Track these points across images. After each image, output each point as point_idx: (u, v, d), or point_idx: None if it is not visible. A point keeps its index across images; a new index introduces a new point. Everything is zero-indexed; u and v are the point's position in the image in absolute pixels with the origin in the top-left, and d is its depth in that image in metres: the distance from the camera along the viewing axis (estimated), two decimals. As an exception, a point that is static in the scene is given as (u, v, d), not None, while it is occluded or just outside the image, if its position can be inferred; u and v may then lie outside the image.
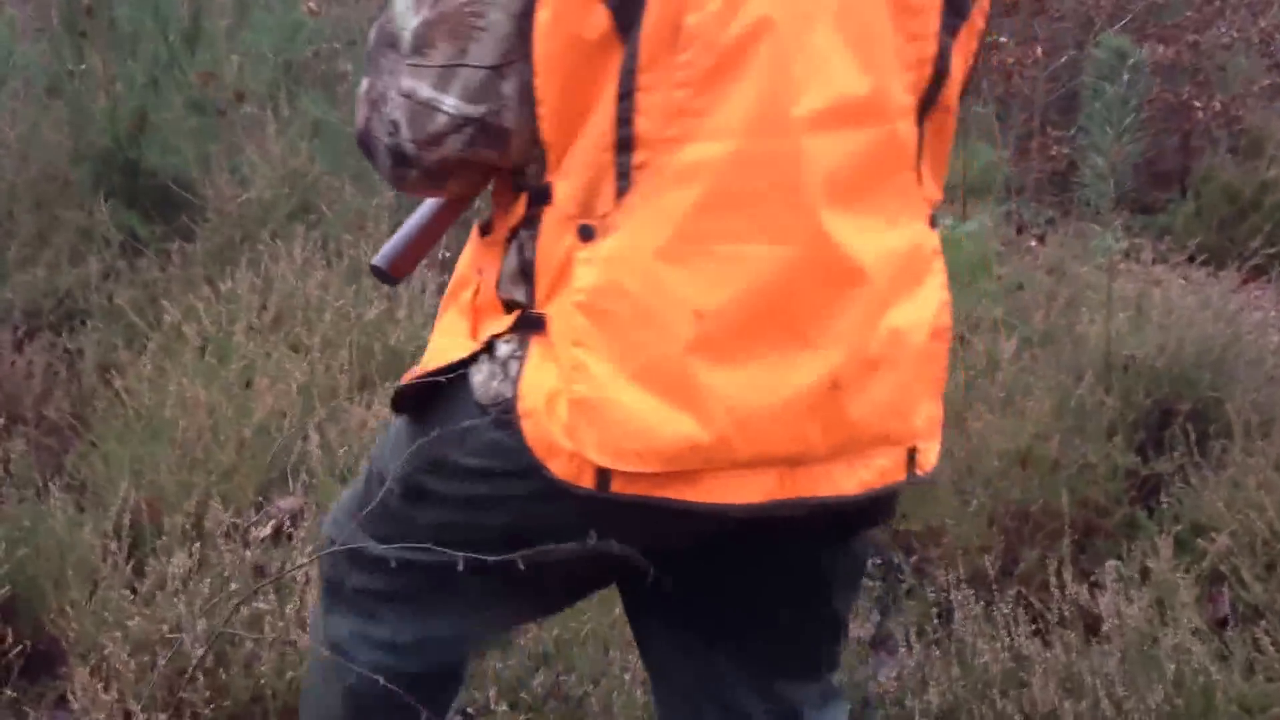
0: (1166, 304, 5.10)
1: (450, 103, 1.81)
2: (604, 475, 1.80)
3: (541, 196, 1.84)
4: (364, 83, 1.90)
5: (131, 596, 3.13)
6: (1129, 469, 4.30)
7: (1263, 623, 3.33)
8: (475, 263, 1.98)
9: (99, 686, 2.92)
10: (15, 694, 3.15)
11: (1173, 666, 2.90)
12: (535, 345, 1.83)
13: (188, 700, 2.92)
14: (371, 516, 2.04)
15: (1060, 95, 8.65)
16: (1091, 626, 3.31)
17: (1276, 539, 3.58)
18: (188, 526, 3.44)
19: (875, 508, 2.01)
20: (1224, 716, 3.02)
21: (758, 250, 1.79)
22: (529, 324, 1.85)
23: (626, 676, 2.98)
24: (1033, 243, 6.79)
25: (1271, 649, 3.24)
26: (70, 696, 2.97)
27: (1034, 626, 3.20)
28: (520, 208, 1.87)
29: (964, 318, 5.23)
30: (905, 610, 3.48)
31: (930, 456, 2.00)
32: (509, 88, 1.80)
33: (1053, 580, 3.12)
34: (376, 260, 2.08)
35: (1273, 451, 3.92)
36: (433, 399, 1.95)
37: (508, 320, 1.88)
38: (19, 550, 3.30)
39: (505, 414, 1.84)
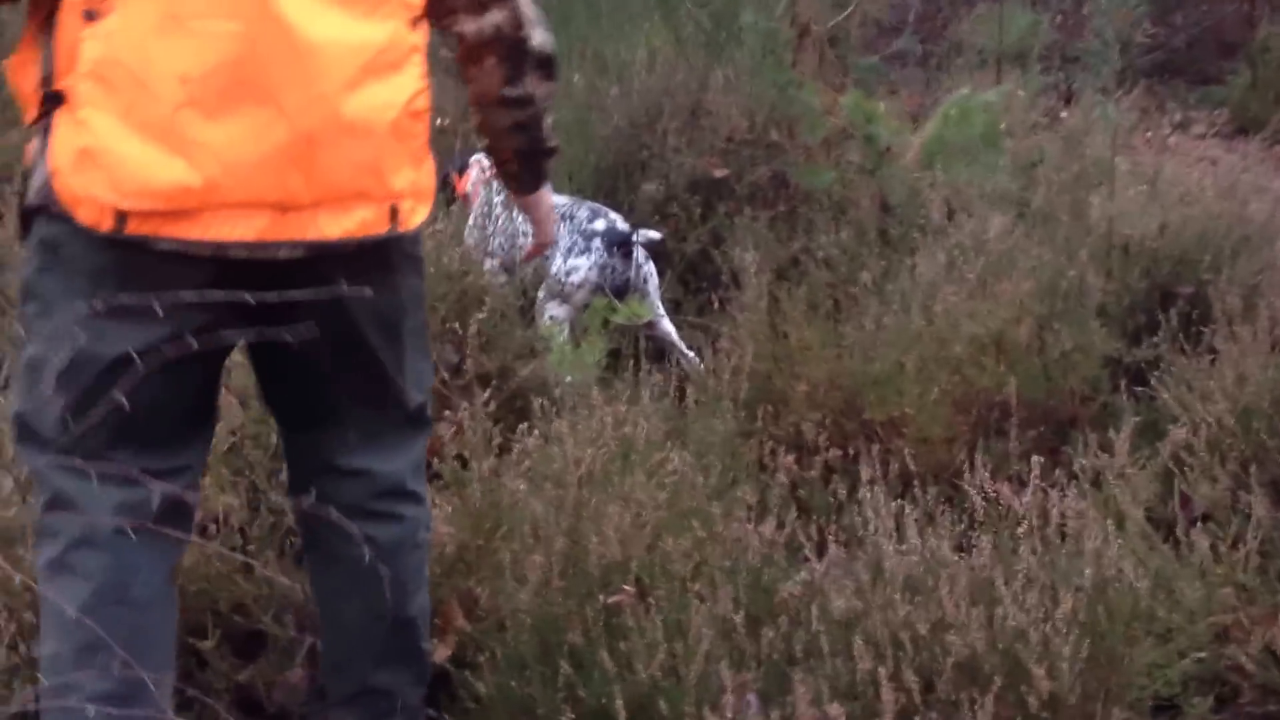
0: (1178, 180, 4.83)
1: None
2: (120, 217, 2.13)
3: None
4: None
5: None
6: (1113, 356, 4.08)
7: (1209, 524, 3.12)
8: (23, 79, 2.24)
9: None
10: None
11: (1089, 572, 2.70)
12: (58, 117, 2.15)
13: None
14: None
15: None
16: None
17: (1227, 433, 3.34)
18: None
19: (369, 256, 2.33)
20: (1151, 625, 2.83)
21: (219, 25, 2.12)
22: (52, 101, 2.17)
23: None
24: (1064, 114, 6.49)
25: (1214, 551, 3.04)
26: None
27: (962, 525, 3.01)
28: (38, 7, 2.20)
29: (966, 194, 5.01)
30: (841, 509, 3.29)
31: (415, 217, 2.36)
32: None
33: (968, 477, 2.91)
34: None
35: (1251, 337, 3.66)
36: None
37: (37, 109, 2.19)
38: None
39: (46, 200, 2.18)
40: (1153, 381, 3.89)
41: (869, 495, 2.86)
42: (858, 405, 3.91)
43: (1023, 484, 2.93)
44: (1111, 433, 3.33)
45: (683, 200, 5.19)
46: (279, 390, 2.58)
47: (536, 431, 3.33)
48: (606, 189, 5.21)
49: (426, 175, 2.39)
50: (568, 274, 4.61)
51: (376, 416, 2.54)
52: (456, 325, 4.30)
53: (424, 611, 2.70)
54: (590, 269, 4.59)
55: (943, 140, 5.12)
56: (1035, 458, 2.86)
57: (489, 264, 4.79)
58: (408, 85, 2.30)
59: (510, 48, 2.51)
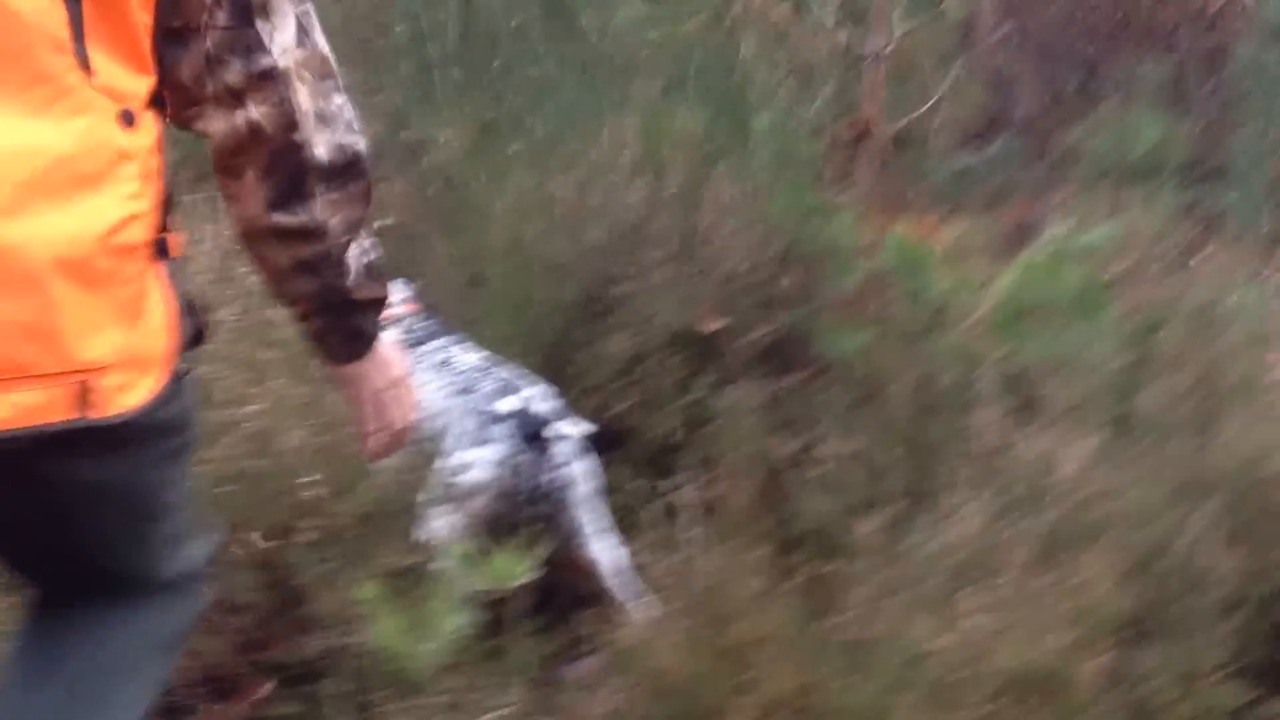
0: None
1: None
2: None
3: None
4: None
5: None
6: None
7: None
8: None
9: None
10: None
11: None
12: None
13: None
14: None
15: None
16: None
17: None
18: None
19: (50, 450, 1.72)
20: None
21: None
22: None
23: None
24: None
25: None
26: None
27: None
28: None
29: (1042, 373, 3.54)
30: None
31: (127, 397, 1.74)
32: None
33: None
34: None
35: None
36: None
37: None
38: None
39: None
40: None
41: None
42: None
43: None
44: None
45: (655, 361, 3.75)
46: None
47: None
48: (547, 347, 3.76)
49: (151, 335, 1.79)
50: (459, 472, 3.20)
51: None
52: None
53: None
54: (494, 465, 3.19)
55: (1019, 302, 3.63)
56: None
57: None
58: (110, 210, 1.69)
59: (277, 156, 1.83)
